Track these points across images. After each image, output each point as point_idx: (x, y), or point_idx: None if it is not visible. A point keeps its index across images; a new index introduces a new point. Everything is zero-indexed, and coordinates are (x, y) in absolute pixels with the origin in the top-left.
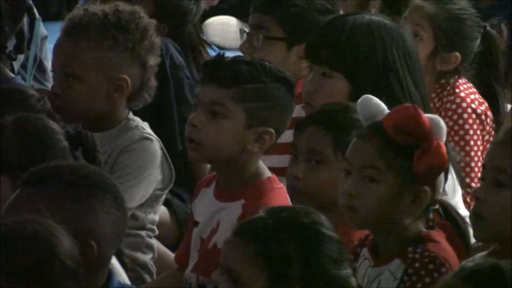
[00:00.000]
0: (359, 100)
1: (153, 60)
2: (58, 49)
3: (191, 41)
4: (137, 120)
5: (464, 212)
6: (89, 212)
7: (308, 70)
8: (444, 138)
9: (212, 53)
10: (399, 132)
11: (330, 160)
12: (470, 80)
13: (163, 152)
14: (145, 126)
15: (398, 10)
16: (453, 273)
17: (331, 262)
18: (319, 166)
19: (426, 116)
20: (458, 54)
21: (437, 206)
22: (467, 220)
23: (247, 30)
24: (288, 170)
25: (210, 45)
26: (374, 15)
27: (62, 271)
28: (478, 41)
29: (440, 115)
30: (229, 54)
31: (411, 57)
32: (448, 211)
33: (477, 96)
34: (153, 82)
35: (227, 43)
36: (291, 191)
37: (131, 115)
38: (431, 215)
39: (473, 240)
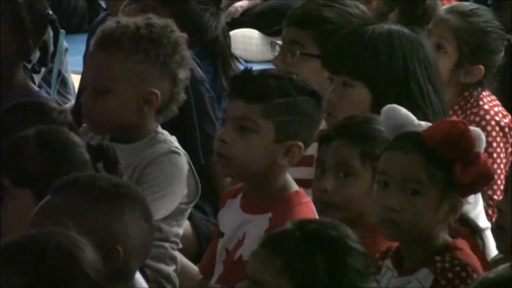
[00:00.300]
0: (384, 109)
1: (183, 74)
2: (89, 61)
3: (221, 52)
4: (165, 133)
5: (484, 223)
6: (118, 219)
7: (329, 82)
8: (483, 149)
9: (239, 65)
10: (446, 146)
11: (359, 172)
12: (493, 92)
13: (190, 167)
14: (173, 140)
15: (419, 21)
16: (474, 284)
17: (357, 276)
18: (347, 179)
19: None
20: (481, 67)
21: None
22: (487, 231)
23: (279, 43)
24: (314, 183)
25: (237, 58)
26: (392, 25)
27: (85, 283)
28: (502, 53)
29: None
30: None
31: (431, 65)
32: (465, 220)
33: (501, 108)
34: (182, 96)
35: (249, 56)
36: (319, 204)
37: (159, 128)
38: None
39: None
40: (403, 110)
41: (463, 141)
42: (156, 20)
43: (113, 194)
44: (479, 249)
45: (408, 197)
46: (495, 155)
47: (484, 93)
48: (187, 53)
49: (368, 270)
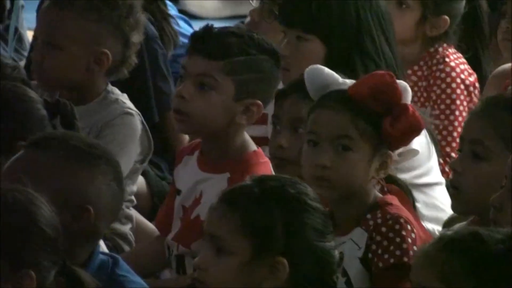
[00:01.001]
0: (307, 70)
1: (136, 38)
2: (42, 18)
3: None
4: (116, 92)
5: (437, 178)
6: (91, 179)
7: (282, 35)
8: (409, 101)
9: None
10: (374, 99)
11: None
12: (456, 45)
13: (143, 125)
14: (125, 99)
15: None
16: (432, 242)
17: (315, 234)
18: (302, 134)
19: None
20: (446, 17)
21: None
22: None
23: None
24: (271, 140)
25: (174, 18)
26: None
27: (40, 238)
28: (464, 2)
29: (428, 83)
30: (203, 23)
31: (384, 17)
32: (392, 177)
33: (467, 67)
34: (134, 60)
35: (204, 13)
36: (275, 160)
37: (110, 87)
38: None
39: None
40: (327, 69)
41: (389, 94)
42: None
43: (88, 154)
44: (410, 205)
45: (339, 153)
46: (457, 112)
47: (450, 50)
48: (142, 17)
49: (327, 228)
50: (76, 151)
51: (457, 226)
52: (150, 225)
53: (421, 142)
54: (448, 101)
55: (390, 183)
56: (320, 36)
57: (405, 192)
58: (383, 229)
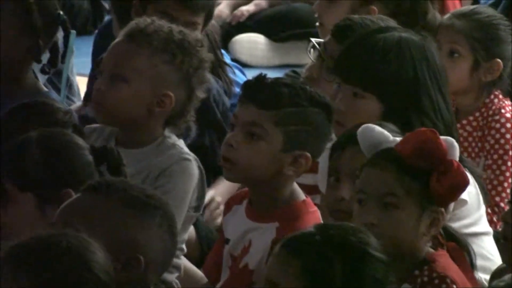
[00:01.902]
0: (359, 130)
1: (200, 92)
2: (115, 49)
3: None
4: (173, 137)
5: (485, 228)
6: (145, 229)
7: (336, 86)
8: (457, 157)
9: (239, 74)
10: (418, 156)
11: None
12: (508, 93)
13: (200, 171)
14: (182, 145)
15: (414, 22)
16: None
17: (375, 284)
18: None
19: (441, 138)
20: (498, 60)
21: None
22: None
23: (319, 49)
24: (329, 192)
25: (230, 66)
26: (403, 32)
27: (95, 285)
28: None
29: (483, 133)
30: (255, 72)
31: (441, 73)
32: (448, 230)
33: None
34: (192, 115)
35: (254, 61)
36: (335, 213)
37: (167, 133)
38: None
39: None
40: (378, 128)
41: (434, 150)
42: (191, 33)
43: (145, 204)
44: (466, 262)
45: (385, 212)
46: (509, 163)
47: (506, 102)
48: (208, 75)
49: (387, 279)
50: (134, 200)
51: (507, 277)
52: (199, 273)
53: (470, 192)
54: (501, 152)
55: (450, 240)
56: (377, 94)
57: (463, 249)
58: (429, 287)
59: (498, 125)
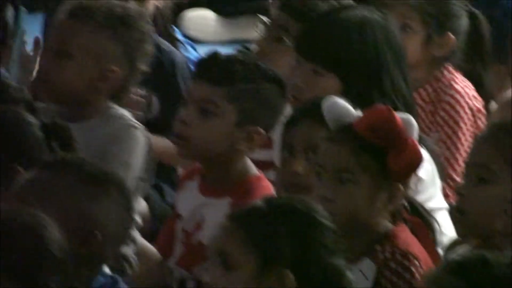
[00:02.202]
0: (325, 102)
1: (143, 66)
2: (58, 27)
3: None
4: (120, 109)
5: (440, 203)
6: (101, 205)
7: (295, 63)
8: (416, 135)
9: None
10: (373, 133)
11: None
12: (459, 67)
13: (148, 142)
14: (129, 115)
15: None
16: (439, 267)
17: (324, 250)
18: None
19: (398, 115)
20: (451, 34)
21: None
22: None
23: (266, 23)
24: (283, 167)
25: (182, 43)
26: (365, 11)
27: (50, 261)
28: (466, 19)
29: (434, 107)
30: (205, 48)
31: (401, 53)
32: (414, 206)
33: (473, 92)
34: (134, 89)
35: (204, 37)
36: (289, 187)
37: (111, 104)
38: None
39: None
40: (341, 101)
41: (389, 127)
42: (132, 6)
43: (101, 180)
44: (427, 237)
45: (341, 187)
46: (461, 136)
47: (457, 75)
48: (152, 48)
49: (337, 246)
50: (90, 176)
51: (461, 250)
52: (151, 248)
53: (427, 169)
54: (452, 124)
55: (415, 215)
56: (337, 73)
57: (426, 225)
58: (392, 264)
59: (448, 98)
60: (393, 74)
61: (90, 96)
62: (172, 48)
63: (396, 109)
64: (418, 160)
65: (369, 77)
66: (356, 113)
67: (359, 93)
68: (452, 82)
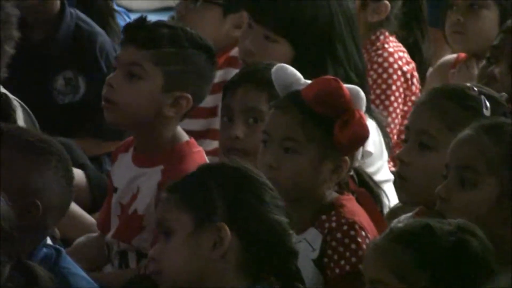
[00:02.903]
0: (273, 69)
1: (9, 48)
2: None
3: (100, 11)
4: None
5: (387, 175)
6: (41, 175)
7: (247, 26)
8: (364, 108)
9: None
10: (320, 104)
11: (265, 117)
12: (396, 32)
13: (28, 114)
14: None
15: None
16: (383, 234)
17: (260, 203)
18: (257, 124)
19: (346, 86)
20: (387, 2)
21: (352, 173)
22: (389, 183)
23: None
24: (222, 132)
25: (120, 13)
26: None
27: None
28: None
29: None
30: (136, 16)
31: (355, 23)
32: (362, 177)
33: (406, 55)
34: (4, 71)
35: (134, 5)
36: (230, 152)
37: None
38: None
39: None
40: (290, 69)
41: (336, 98)
42: None
43: (40, 149)
44: (374, 207)
45: (285, 155)
46: (392, 98)
47: (391, 38)
48: (16, 32)
49: (274, 201)
50: (28, 145)
51: (403, 217)
52: (89, 219)
53: (375, 141)
54: (384, 86)
55: (362, 186)
56: (290, 39)
57: (373, 195)
58: (338, 234)
59: (380, 59)
60: (346, 42)
61: None
62: (95, 28)
63: (348, 77)
64: (364, 133)
65: (322, 44)
66: (305, 81)
67: (311, 60)
68: (385, 45)
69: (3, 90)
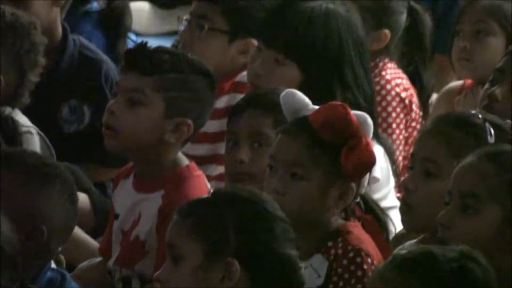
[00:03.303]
0: (282, 94)
1: (33, 76)
2: None
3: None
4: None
5: (393, 202)
6: (46, 199)
7: (256, 50)
8: (371, 134)
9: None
10: (327, 130)
11: (273, 141)
12: (398, 60)
13: (44, 140)
14: (19, 116)
15: None
16: (386, 262)
17: (272, 238)
18: (262, 148)
19: (354, 113)
20: (387, 31)
21: (358, 199)
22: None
23: (187, 17)
24: (227, 156)
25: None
26: (329, 3)
27: (1, 258)
28: (405, 15)
29: None
30: (142, 39)
31: (364, 48)
32: (369, 204)
33: (404, 82)
34: (26, 98)
35: (142, 29)
36: (234, 176)
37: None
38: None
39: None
40: (299, 94)
41: (343, 125)
42: (24, 15)
43: (45, 174)
44: (381, 236)
45: (292, 181)
46: (394, 125)
47: (389, 64)
48: (42, 60)
49: (286, 235)
50: (33, 170)
51: (407, 244)
52: (93, 243)
53: (382, 167)
54: (384, 114)
55: (369, 212)
56: (299, 63)
57: (379, 222)
58: (344, 261)
59: (378, 87)
60: (355, 66)
61: None
62: (99, 54)
63: (357, 102)
64: (371, 160)
65: (330, 68)
66: (313, 107)
67: (320, 84)
68: (382, 72)
69: (22, 117)
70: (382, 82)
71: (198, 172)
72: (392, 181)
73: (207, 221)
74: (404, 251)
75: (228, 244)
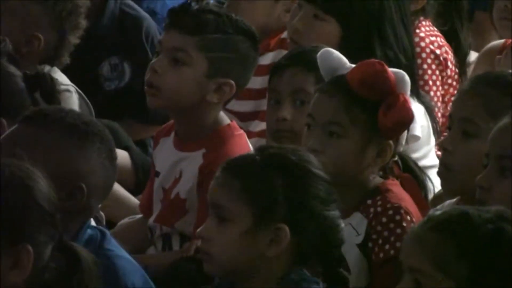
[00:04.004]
0: (319, 53)
1: (73, 38)
2: None
3: None
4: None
5: (433, 161)
6: (85, 157)
7: (297, 7)
8: (409, 92)
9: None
10: (364, 87)
11: None
12: (435, 19)
13: (83, 99)
14: (61, 77)
15: None
16: (421, 222)
17: (318, 202)
18: (304, 106)
19: (391, 70)
20: None
21: (396, 158)
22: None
23: None
24: (269, 114)
25: None
26: None
27: (38, 213)
28: None
29: None
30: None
31: (405, 6)
32: (407, 162)
33: (438, 39)
34: (66, 59)
35: None
36: (277, 133)
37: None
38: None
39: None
40: (336, 53)
41: (380, 82)
42: None
43: (84, 131)
44: (419, 192)
45: (330, 139)
46: (430, 82)
47: (424, 22)
48: (83, 22)
49: (330, 196)
50: (72, 128)
51: (447, 203)
52: (134, 200)
53: (423, 126)
54: (420, 71)
55: (407, 171)
56: (338, 19)
57: (417, 181)
58: (384, 219)
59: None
60: (395, 23)
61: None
62: (140, 12)
63: (398, 59)
64: (408, 117)
65: (370, 23)
66: (350, 65)
67: (359, 40)
68: (417, 30)
69: (60, 75)
70: (416, 39)
71: (240, 131)
72: (433, 140)
73: (257, 185)
74: (439, 212)
75: (278, 209)
